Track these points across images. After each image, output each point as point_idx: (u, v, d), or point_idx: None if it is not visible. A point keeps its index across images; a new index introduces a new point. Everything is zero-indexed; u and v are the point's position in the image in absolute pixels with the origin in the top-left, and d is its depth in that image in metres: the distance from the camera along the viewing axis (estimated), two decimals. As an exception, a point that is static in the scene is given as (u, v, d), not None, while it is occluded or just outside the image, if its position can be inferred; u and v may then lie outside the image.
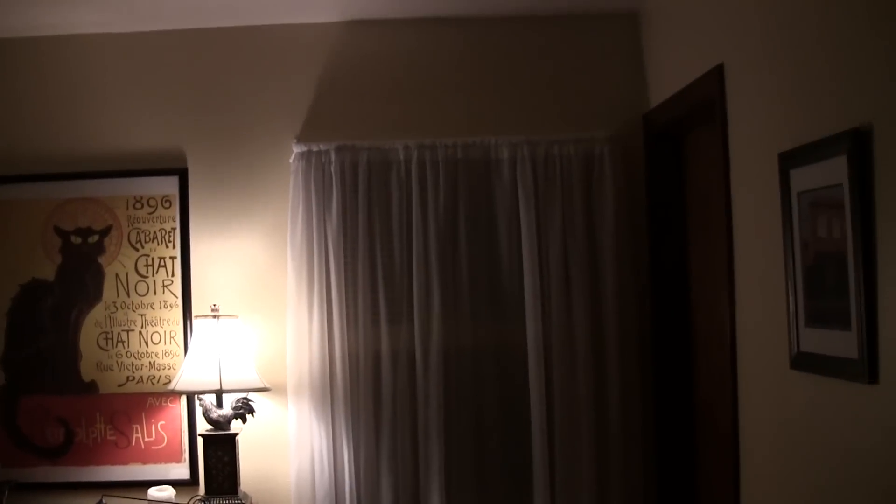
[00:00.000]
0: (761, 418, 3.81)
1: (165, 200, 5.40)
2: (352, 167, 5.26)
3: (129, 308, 5.38)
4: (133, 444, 5.35)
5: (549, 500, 5.14)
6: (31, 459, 5.35)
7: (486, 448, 5.27)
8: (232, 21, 5.35)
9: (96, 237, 5.39)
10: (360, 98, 5.41)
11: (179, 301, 5.37)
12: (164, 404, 5.35)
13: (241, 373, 5.03)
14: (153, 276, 5.39)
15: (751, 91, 3.83)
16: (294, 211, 5.23)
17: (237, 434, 5.07)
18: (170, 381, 5.22)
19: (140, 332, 5.37)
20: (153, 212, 5.40)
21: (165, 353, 5.36)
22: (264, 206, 5.38)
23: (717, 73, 4.13)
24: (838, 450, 3.09)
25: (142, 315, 5.37)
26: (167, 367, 5.35)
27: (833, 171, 3.00)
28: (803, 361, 3.31)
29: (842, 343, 2.97)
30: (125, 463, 5.34)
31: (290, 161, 5.28)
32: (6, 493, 5.13)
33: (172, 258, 5.39)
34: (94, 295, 5.38)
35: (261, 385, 5.06)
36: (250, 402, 5.12)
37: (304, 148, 5.25)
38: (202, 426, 5.16)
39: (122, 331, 5.37)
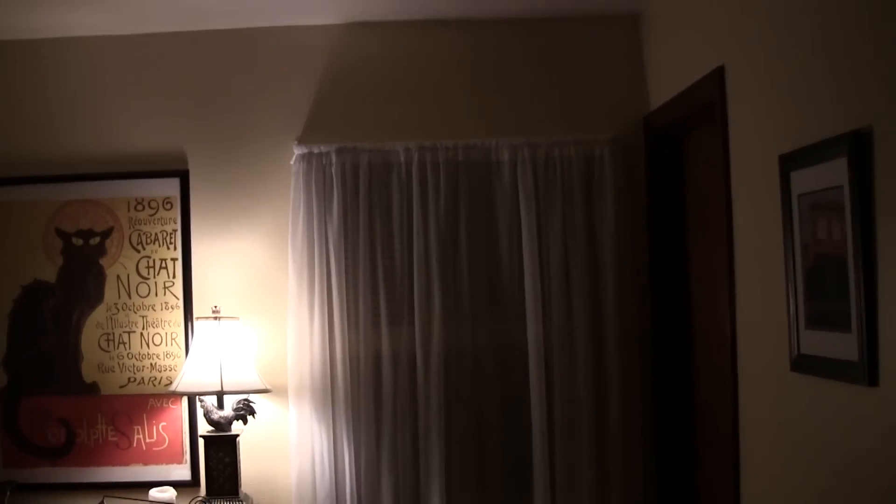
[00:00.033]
0: (761, 420, 3.81)
1: (166, 202, 5.40)
2: (352, 169, 5.27)
3: (130, 309, 5.39)
4: (134, 445, 5.36)
5: (550, 501, 5.15)
6: (32, 460, 5.36)
7: (487, 449, 5.28)
8: (233, 23, 5.36)
9: (97, 239, 5.40)
10: (360, 100, 5.42)
11: (181, 302, 5.38)
12: (165, 405, 5.36)
13: (241, 374, 5.04)
14: (154, 277, 5.39)
15: (751, 93, 3.84)
16: (295, 213, 5.24)
17: (238, 435, 5.08)
18: (171, 383, 5.22)
19: (141, 334, 5.37)
20: (154, 213, 5.40)
21: (167, 355, 5.37)
22: (265, 208, 5.39)
23: (718, 75, 4.13)
24: (838, 452, 3.09)
25: (143, 316, 5.38)
26: (168, 369, 5.35)
27: (833, 173, 3.00)
28: (803, 363, 3.31)
29: (842, 345, 2.97)
30: (126, 464, 5.35)
31: (291, 163, 5.29)
32: (8, 493, 5.14)
33: (174, 260, 5.39)
34: (96, 296, 5.39)
35: (262, 386, 5.07)
36: (251, 404, 5.13)
37: (304, 150, 5.26)
38: (203, 427, 5.17)
39: (124, 332, 5.38)
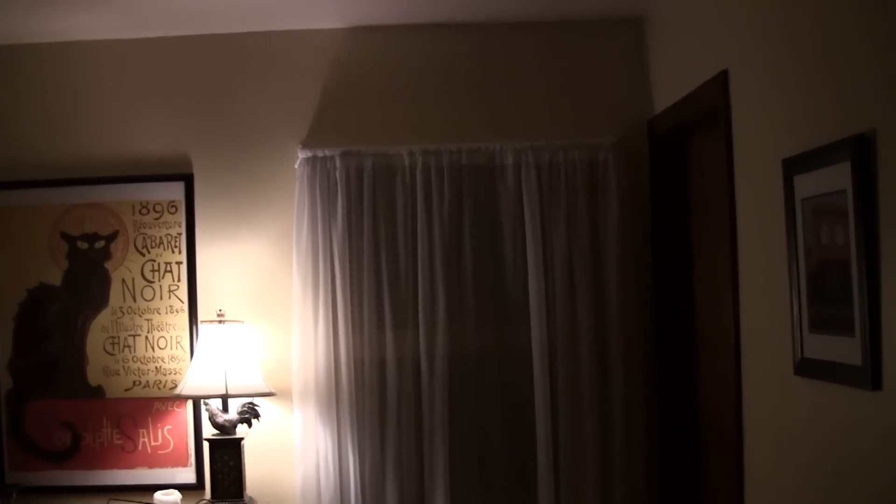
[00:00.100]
0: (765, 423, 3.81)
1: (171, 206, 5.41)
2: (357, 173, 5.27)
3: (135, 313, 5.39)
4: (139, 448, 5.36)
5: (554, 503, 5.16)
6: (37, 463, 5.37)
7: (491, 452, 5.29)
8: (237, 27, 5.36)
9: (102, 242, 5.41)
10: (364, 104, 5.43)
11: (185, 306, 5.39)
12: (170, 409, 5.37)
13: (246, 377, 5.05)
14: (159, 281, 5.40)
15: (755, 97, 3.84)
16: (299, 216, 5.25)
17: (243, 438, 5.09)
18: (176, 386, 5.23)
19: (146, 337, 5.38)
20: (159, 217, 5.41)
21: (171, 358, 5.38)
22: (270, 212, 5.39)
23: (722, 79, 4.14)
24: (842, 455, 3.09)
25: (148, 320, 5.39)
26: (173, 372, 5.36)
27: (836, 178, 3.00)
28: (807, 367, 3.32)
29: (845, 349, 2.98)
30: (132, 467, 5.36)
31: (296, 166, 5.29)
32: (14, 496, 5.15)
33: (178, 263, 5.40)
34: (101, 300, 5.40)
35: (266, 390, 5.08)
36: (256, 407, 5.14)
37: (309, 153, 5.27)
38: (208, 430, 5.18)
39: (129, 335, 5.38)
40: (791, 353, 3.42)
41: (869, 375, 2.83)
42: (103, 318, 5.39)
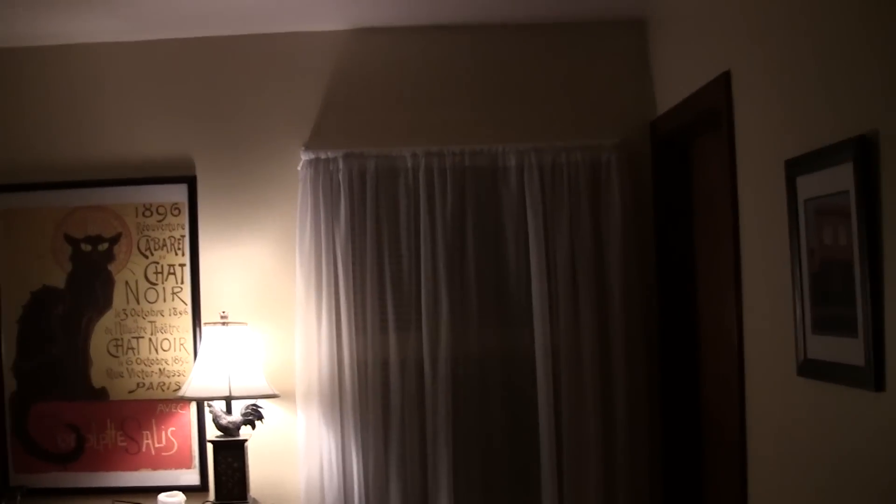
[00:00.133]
0: (768, 424, 3.81)
1: (174, 208, 5.42)
2: (360, 174, 5.28)
3: (138, 315, 5.40)
4: (143, 450, 5.37)
5: (557, 504, 5.17)
6: (42, 465, 5.37)
7: (494, 453, 5.29)
8: (240, 29, 5.37)
9: (106, 245, 5.41)
10: (367, 105, 5.43)
11: (189, 308, 5.39)
12: (173, 411, 5.37)
13: (250, 379, 5.05)
14: (162, 283, 5.41)
15: (757, 98, 3.85)
16: (302, 218, 5.25)
17: (246, 440, 5.09)
18: (179, 388, 5.24)
19: (150, 339, 5.39)
20: (162, 219, 5.42)
21: (175, 360, 5.38)
22: (272, 214, 5.40)
23: (724, 80, 4.14)
24: (845, 456, 3.09)
25: (151, 322, 5.40)
26: (177, 374, 5.37)
27: (839, 178, 3.01)
28: (810, 368, 3.32)
29: (848, 350, 2.98)
30: (135, 469, 5.36)
31: (299, 168, 5.30)
32: (18, 498, 5.16)
33: (181, 265, 5.41)
34: (104, 302, 5.41)
35: (270, 391, 5.08)
36: (259, 409, 5.14)
37: (312, 155, 5.27)
38: (212, 432, 5.18)
39: (132, 338, 5.39)
40: (794, 353, 3.43)
41: (872, 376, 2.84)
42: (107, 320, 5.40)
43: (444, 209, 5.24)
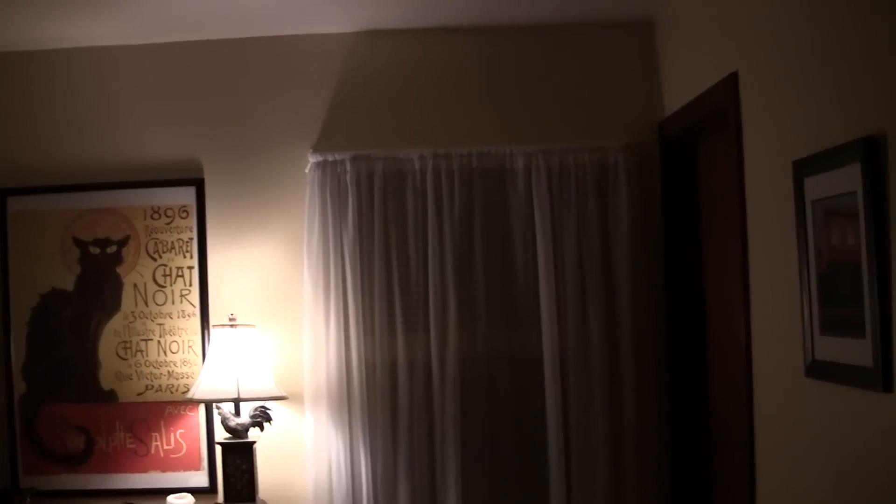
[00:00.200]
0: (776, 425, 3.81)
1: (183, 211, 5.43)
2: (367, 177, 5.28)
3: (147, 317, 5.41)
4: (152, 452, 5.38)
5: (565, 507, 5.17)
6: (51, 467, 5.39)
7: (502, 455, 5.29)
8: (247, 32, 5.38)
9: (114, 247, 5.42)
10: (375, 108, 5.44)
11: (197, 310, 5.40)
12: (182, 413, 5.38)
13: (258, 381, 5.06)
14: (171, 285, 5.42)
15: (765, 99, 3.84)
16: (310, 220, 5.26)
17: (255, 442, 5.10)
18: (188, 390, 5.25)
19: (158, 342, 5.40)
20: (170, 222, 5.43)
21: (184, 362, 5.39)
22: (281, 216, 5.41)
23: (732, 81, 4.14)
24: (853, 457, 3.09)
25: (160, 324, 5.41)
26: (185, 376, 5.38)
27: (847, 179, 3.00)
28: (818, 369, 3.32)
29: (856, 351, 2.97)
30: (144, 471, 5.37)
31: (306, 171, 5.31)
32: (27, 500, 5.18)
33: (190, 268, 5.42)
34: (113, 305, 5.42)
35: (278, 393, 5.09)
36: (268, 411, 5.15)
37: (319, 158, 5.28)
38: (220, 434, 5.19)
39: (141, 340, 5.40)
40: (802, 354, 3.42)
41: (880, 377, 2.83)
42: (115, 322, 5.41)
43: (452, 211, 5.25)
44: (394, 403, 5.25)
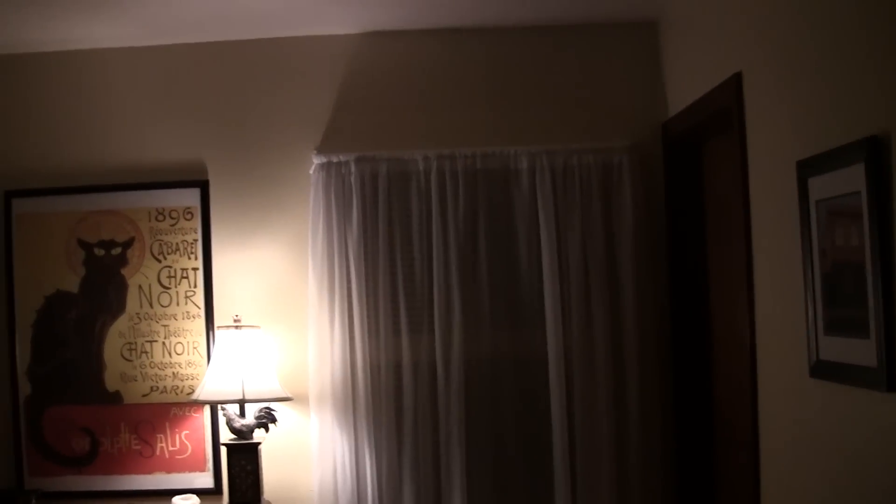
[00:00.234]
0: (781, 426, 3.81)
1: (187, 212, 5.43)
2: (371, 178, 5.29)
3: (152, 319, 5.42)
4: (157, 453, 5.38)
5: (570, 508, 5.17)
6: (56, 469, 5.39)
7: (507, 455, 5.29)
8: (251, 33, 5.39)
9: (119, 249, 5.43)
10: (379, 109, 5.44)
11: (202, 312, 5.41)
12: (187, 414, 5.39)
13: (263, 382, 5.06)
14: (176, 287, 5.42)
15: (768, 99, 3.84)
16: (315, 221, 5.26)
17: (260, 443, 5.10)
18: (193, 391, 5.25)
19: (163, 343, 5.40)
20: (175, 224, 5.43)
21: (188, 364, 5.39)
22: (285, 217, 5.41)
23: (735, 82, 4.14)
24: (857, 457, 3.09)
25: (165, 326, 5.41)
26: (190, 378, 5.38)
27: (851, 179, 3.00)
28: (822, 369, 3.32)
29: (860, 351, 2.98)
30: (150, 472, 5.38)
31: (311, 172, 5.31)
32: (33, 502, 5.18)
33: (195, 269, 5.42)
34: (118, 306, 5.42)
35: (283, 394, 5.09)
36: (273, 412, 5.15)
37: (324, 159, 5.28)
38: (225, 435, 5.20)
39: (146, 341, 5.40)
40: (806, 354, 3.43)
41: (884, 377, 2.84)
42: (120, 324, 5.41)
43: (456, 212, 5.25)
44: (398, 404, 5.25)
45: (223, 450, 5.19)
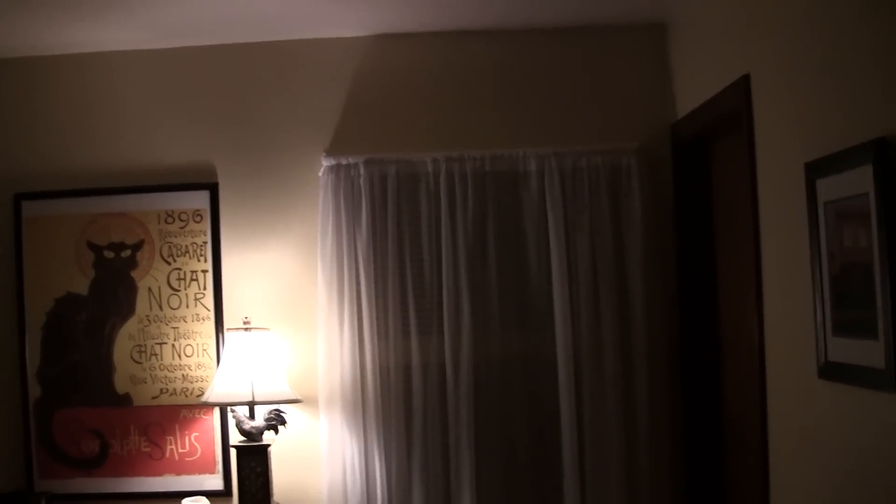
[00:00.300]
0: (789, 427, 3.81)
1: (196, 215, 5.44)
2: (381, 180, 5.29)
3: (161, 321, 5.43)
4: (167, 455, 5.39)
5: (580, 510, 5.18)
6: (66, 471, 5.40)
7: (517, 457, 5.29)
8: (261, 36, 5.40)
9: (129, 251, 5.44)
10: (388, 111, 5.45)
11: (211, 314, 5.42)
12: (197, 416, 5.40)
13: (272, 384, 5.07)
14: (185, 289, 5.43)
15: (776, 101, 3.84)
16: (324, 224, 5.27)
17: (269, 445, 5.11)
18: (203, 394, 5.26)
19: (173, 345, 5.41)
20: (185, 226, 5.44)
21: (198, 366, 5.40)
22: (294, 220, 5.42)
23: (744, 84, 4.14)
24: (866, 459, 3.09)
25: (174, 328, 5.42)
26: (200, 380, 5.39)
27: (859, 181, 3.00)
28: (831, 371, 3.32)
29: (869, 352, 2.97)
30: (159, 474, 5.38)
31: (320, 174, 5.31)
32: (42, 504, 5.20)
33: (204, 272, 5.43)
34: (127, 308, 5.43)
35: (292, 396, 5.10)
36: (282, 414, 5.15)
37: (333, 161, 5.29)
38: (235, 437, 5.20)
39: (155, 344, 5.42)
40: (815, 356, 3.42)
41: (892, 378, 2.83)
42: (130, 326, 5.43)
43: (465, 214, 5.26)
44: (408, 406, 5.26)
45: (233, 452, 5.19)
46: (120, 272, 5.44)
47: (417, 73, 5.47)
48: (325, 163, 5.29)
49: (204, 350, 5.41)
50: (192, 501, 5.12)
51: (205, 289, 5.43)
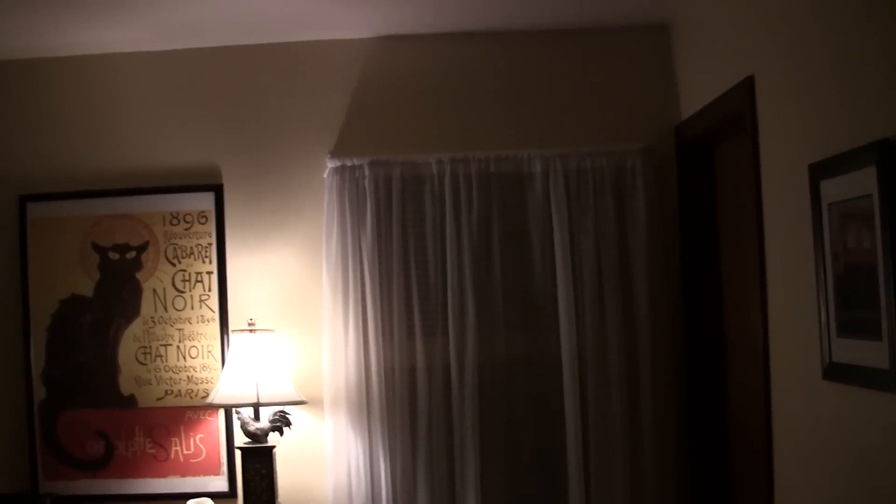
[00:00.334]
0: (794, 428, 3.81)
1: (201, 216, 5.45)
2: (385, 181, 5.30)
3: (166, 323, 5.43)
4: (172, 457, 5.39)
5: (585, 512, 5.18)
6: (71, 473, 5.40)
7: (521, 458, 5.29)
8: (265, 38, 5.40)
9: (133, 253, 5.45)
10: (392, 113, 5.45)
11: (216, 315, 5.42)
12: (202, 417, 5.40)
13: (277, 386, 5.07)
14: (190, 290, 5.44)
15: (781, 102, 3.84)
16: (329, 225, 5.27)
17: (274, 447, 5.11)
18: (207, 395, 5.26)
19: (178, 347, 5.42)
20: (189, 227, 5.45)
21: (203, 367, 5.41)
22: (299, 221, 5.42)
23: (748, 85, 4.14)
24: (870, 459, 3.09)
25: (179, 329, 5.42)
26: (205, 381, 5.39)
27: (862, 182, 3.01)
28: (835, 372, 3.32)
29: (873, 353, 2.97)
30: (164, 476, 5.39)
31: (325, 176, 5.32)
32: (47, 506, 5.21)
33: (209, 273, 5.44)
34: (132, 310, 5.44)
35: (297, 398, 5.10)
36: (287, 415, 5.16)
37: (337, 163, 5.29)
38: (240, 439, 5.20)
39: (160, 345, 5.42)
40: (819, 357, 3.42)
41: (896, 379, 2.84)
42: (135, 328, 5.43)
43: (470, 215, 5.26)
44: (413, 407, 5.26)
45: (238, 453, 5.19)
46: (125, 274, 5.44)
47: (422, 74, 5.47)
48: (330, 164, 5.30)
49: (209, 351, 5.41)
50: (196, 503, 5.12)
51: (210, 290, 5.43)
